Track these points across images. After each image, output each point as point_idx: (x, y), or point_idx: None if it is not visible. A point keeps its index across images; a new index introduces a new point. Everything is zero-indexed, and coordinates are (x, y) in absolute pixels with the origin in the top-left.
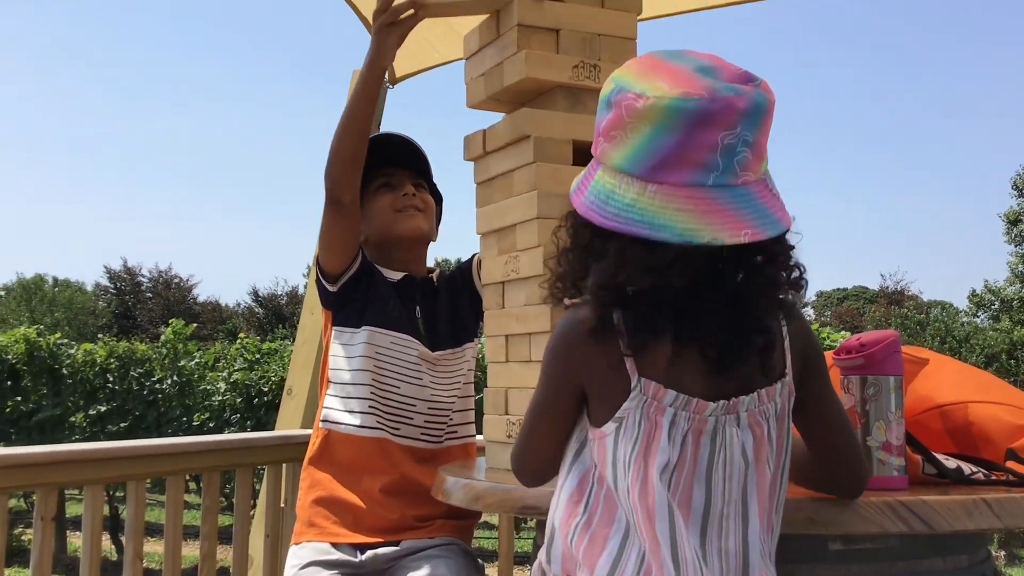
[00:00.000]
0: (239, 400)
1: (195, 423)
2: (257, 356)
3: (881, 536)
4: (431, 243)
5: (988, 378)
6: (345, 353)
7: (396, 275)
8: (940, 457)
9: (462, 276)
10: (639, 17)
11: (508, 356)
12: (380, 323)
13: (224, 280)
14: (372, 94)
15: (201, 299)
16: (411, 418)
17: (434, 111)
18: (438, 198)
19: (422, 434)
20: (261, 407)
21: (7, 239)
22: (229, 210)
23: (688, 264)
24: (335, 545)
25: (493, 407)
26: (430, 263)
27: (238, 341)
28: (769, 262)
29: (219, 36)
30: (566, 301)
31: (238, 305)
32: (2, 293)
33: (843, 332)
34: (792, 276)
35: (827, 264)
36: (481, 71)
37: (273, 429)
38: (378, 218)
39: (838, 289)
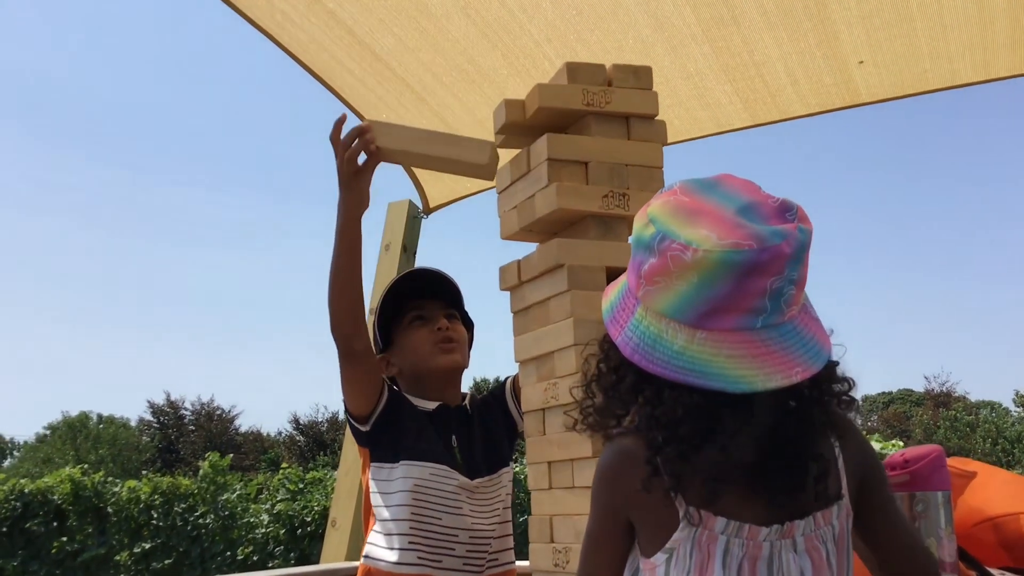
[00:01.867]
0: (283, 532)
1: (239, 557)
2: (300, 486)
3: None
4: (464, 370)
5: None
6: (383, 489)
7: (431, 404)
8: (995, 572)
9: (495, 400)
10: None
11: (551, 483)
12: (416, 456)
13: (265, 409)
14: (353, 245)
15: (243, 429)
16: (453, 549)
17: (467, 236)
18: (469, 324)
19: (464, 564)
20: (304, 538)
21: (53, 379)
22: (266, 338)
23: (740, 412)
24: None
25: (539, 535)
26: (465, 387)
27: (280, 471)
28: (814, 387)
29: (242, 170)
30: (611, 432)
31: (279, 433)
32: (48, 433)
33: (894, 441)
34: (840, 394)
35: (871, 368)
36: (513, 204)
37: (318, 561)
38: (413, 352)
39: (883, 393)
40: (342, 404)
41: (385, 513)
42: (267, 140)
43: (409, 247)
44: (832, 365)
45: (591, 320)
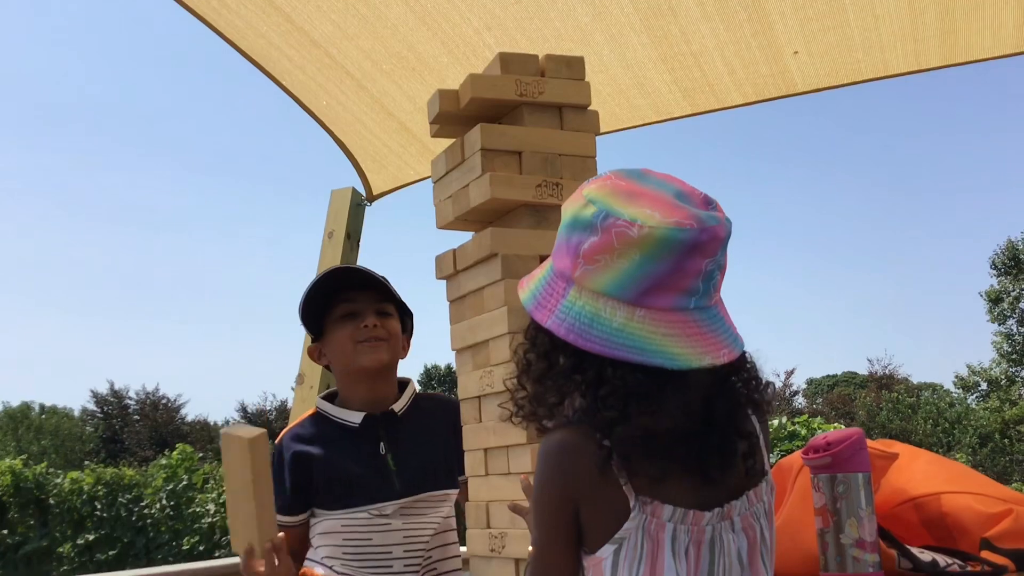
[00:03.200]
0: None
1: (185, 547)
2: None
3: None
4: (400, 362)
5: (959, 468)
6: (316, 529)
7: (355, 417)
8: (915, 551)
9: (452, 417)
10: (601, 133)
11: (487, 469)
12: (338, 506)
13: (212, 398)
14: None
15: (189, 419)
16: (390, 566)
17: (411, 223)
18: (408, 314)
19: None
20: None
21: None
22: (212, 328)
23: (679, 389)
24: None
25: (476, 521)
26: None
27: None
28: (737, 370)
29: (188, 158)
30: (546, 423)
31: (227, 422)
32: None
33: (836, 423)
34: (755, 379)
35: (815, 352)
36: (448, 193)
37: None
38: (339, 350)
39: (828, 376)
40: None
41: (318, 540)
42: (211, 127)
43: (353, 235)
44: (745, 354)
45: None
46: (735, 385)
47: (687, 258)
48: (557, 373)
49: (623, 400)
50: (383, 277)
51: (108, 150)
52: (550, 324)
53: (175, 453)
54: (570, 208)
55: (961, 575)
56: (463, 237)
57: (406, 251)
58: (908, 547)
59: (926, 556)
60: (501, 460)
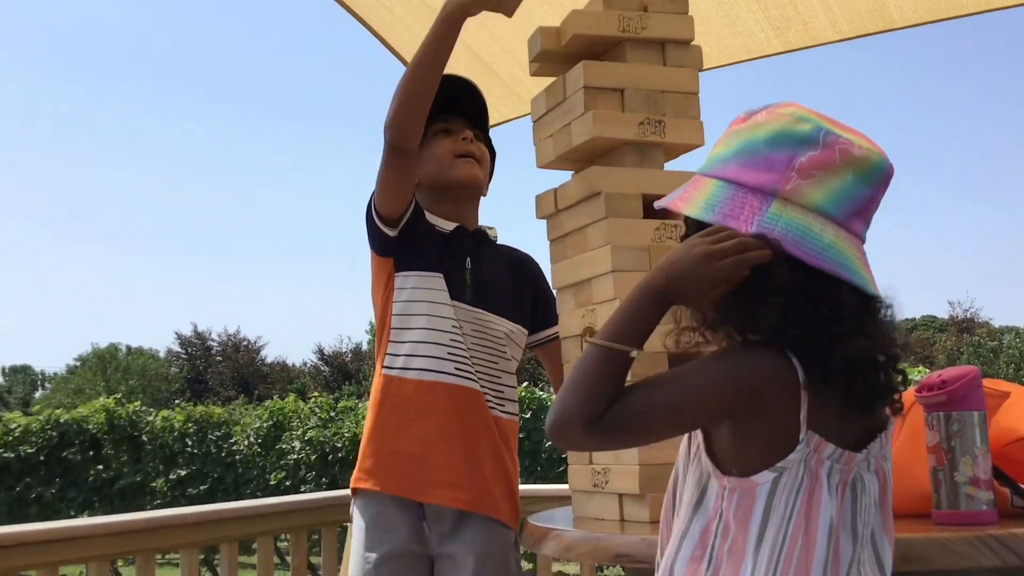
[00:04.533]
0: (314, 457)
1: (272, 482)
2: (331, 414)
3: (976, 571)
4: (483, 197)
5: None
6: (403, 297)
7: (448, 225)
8: None
9: (533, 270)
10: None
11: None
12: (431, 268)
13: (290, 340)
14: (449, 38)
15: (269, 360)
16: (501, 391)
17: (503, 163)
18: (492, 153)
19: (474, 375)
20: (335, 463)
21: (82, 311)
22: (291, 272)
23: (873, 315)
24: (398, 502)
25: (577, 457)
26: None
27: (311, 400)
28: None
29: (267, 104)
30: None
31: (304, 364)
32: (78, 364)
33: (919, 368)
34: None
35: (895, 294)
36: (549, 132)
37: (347, 485)
38: (434, 162)
39: (907, 320)
40: (368, 211)
41: (404, 321)
42: (293, 71)
43: None
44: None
45: (628, 247)
46: (883, 320)
47: (882, 188)
48: (766, 287)
49: (841, 319)
50: (482, 97)
51: (189, 99)
52: (756, 230)
53: (264, 410)
54: (770, 124)
55: None
56: (559, 177)
57: (491, 192)
58: (1021, 485)
59: None
60: None
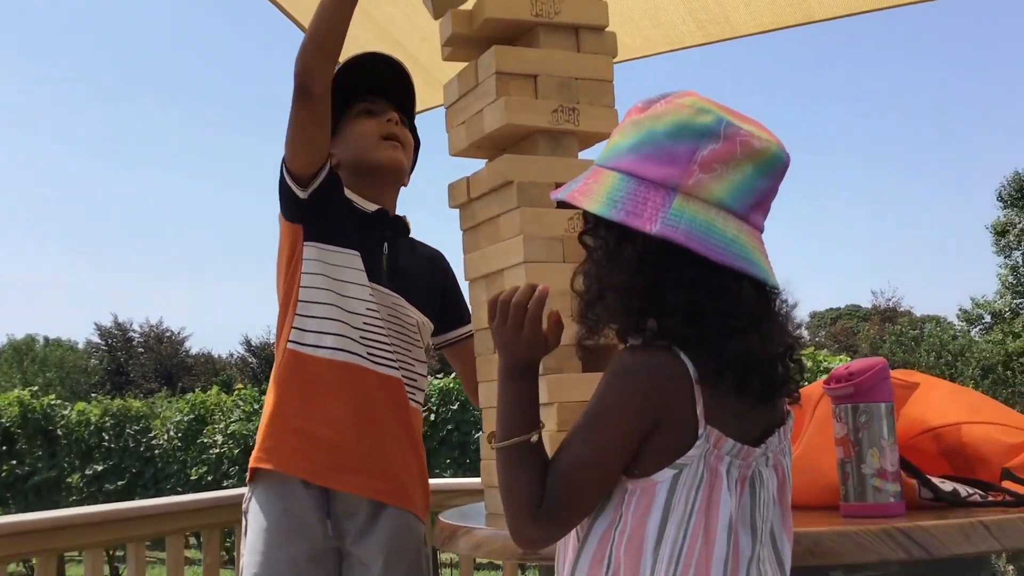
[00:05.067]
0: (237, 451)
1: (192, 477)
2: (255, 407)
3: (881, 564)
4: (403, 187)
5: (979, 398)
6: (314, 269)
7: (369, 206)
8: (936, 480)
9: (444, 267)
10: (614, 60)
11: None
12: (348, 244)
13: (215, 332)
14: None
15: (193, 352)
16: (378, 337)
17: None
18: (417, 141)
19: (391, 358)
20: None
21: None
22: (215, 259)
23: (759, 306)
24: (305, 488)
25: (490, 452)
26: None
27: (235, 392)
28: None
29: (195, 93)
30: (631, 340)
31: (231, 356)
32: None
33: (841, 356)
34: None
35: (819, 284)
36: (462, 119)
37: None
38: (357, 142)
39: (831, 309)
40: (280, 170)
41: (315, 295)
42: (217, 61)
43: None
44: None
45: (541, 237)
46: (779, 313)
47: (779, 178)
48: (664, 284)
49: (737, 313)
50: (410, 80)
51: (102, 82)
52: (659, 231)
53: (185, 402)
54: (670, 116)
55: (982, 504)
56: (475, 165)
57: (412, 182)
58: (929, 477)
59: (947, 486)
60: None
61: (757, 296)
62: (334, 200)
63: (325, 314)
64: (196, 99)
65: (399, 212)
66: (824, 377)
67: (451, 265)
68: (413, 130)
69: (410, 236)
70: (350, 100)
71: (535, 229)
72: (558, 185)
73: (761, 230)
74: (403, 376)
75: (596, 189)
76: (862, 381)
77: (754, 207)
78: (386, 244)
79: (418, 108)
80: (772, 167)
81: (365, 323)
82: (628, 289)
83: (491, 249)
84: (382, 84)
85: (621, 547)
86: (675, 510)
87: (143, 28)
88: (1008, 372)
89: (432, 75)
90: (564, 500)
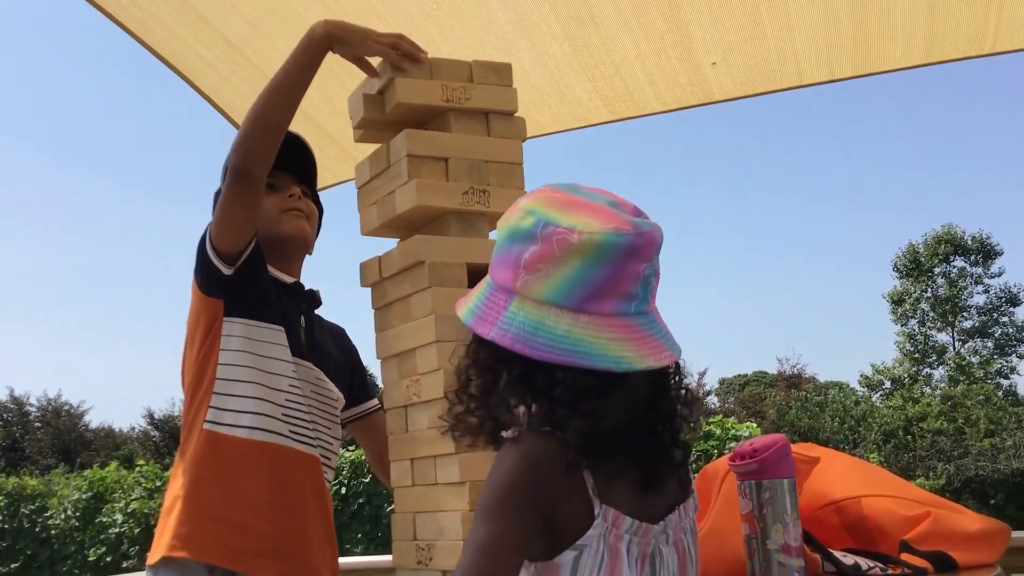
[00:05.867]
0: (137, 531)
1: (91, 558)
2: (158, 484)
3: None
4: (308, 255)
5: (877, 471)
6: (235, 346)
7: (287, 279)
8: (838, 554)
9: (349, 344)
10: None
11: (414, 480)
12: (273, 319)
13: (117, 404)
14: (312, 65)
15: (93, 426)
16: (299, 414)
17: (328, 228)
18: (320, 210)
19: (311, 438)
20: None
21: None
22: (118, 331)
23: (625, 391)
24: (208, 568)
25: (402, 532)
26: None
27: (136, 469)
28: (675, 375)
29: (93, 153)
30: (504, 434)
31: (132, 429)
32: None
33: (748, 423)
34: (688, 387)
35: (727, 352)
36: (373, 200)
37: None
38: (263, 218)
39: (739, 375)
40: (202, 244)
41: (229, 374)
42: (117, 124)
43: None
44: (680, 364)
45: (453, 316)
46: (672, 391)
47: (626, 262)
48: (505, 385)
49: (576, 399)
50: (306, 148)
51: (12, 143)
52: (494, 335)
53: (83, 480)
54: (508, 222)
55: None
56: (388, 243)
57: (323, 254)
58: (831, 551)
59: (848, 559)
60: (428, 470)
61: (597, 382)
62: (258, 274)
63: (247, 392)
64: (98, 164)
65: (309, 285)
66: (731, 448)
67: (351, 339)
68: (316, 200)
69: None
70: None
71: (446, 308)
72: (469, 264)
73: (623, 312)
74: (320, 454)
75: (472, 296)
76: (765, 458)
77: (592, 296)
78: (302, 317)
79: (330, 181)
80: (603, 256)
81: (288, 400)
82: (484, 390)
83: (403, 328)
84: (283, 158)
85: None
86: None
87: (36, 88)
88: (908, 437)
89: (344, 149)
90: None
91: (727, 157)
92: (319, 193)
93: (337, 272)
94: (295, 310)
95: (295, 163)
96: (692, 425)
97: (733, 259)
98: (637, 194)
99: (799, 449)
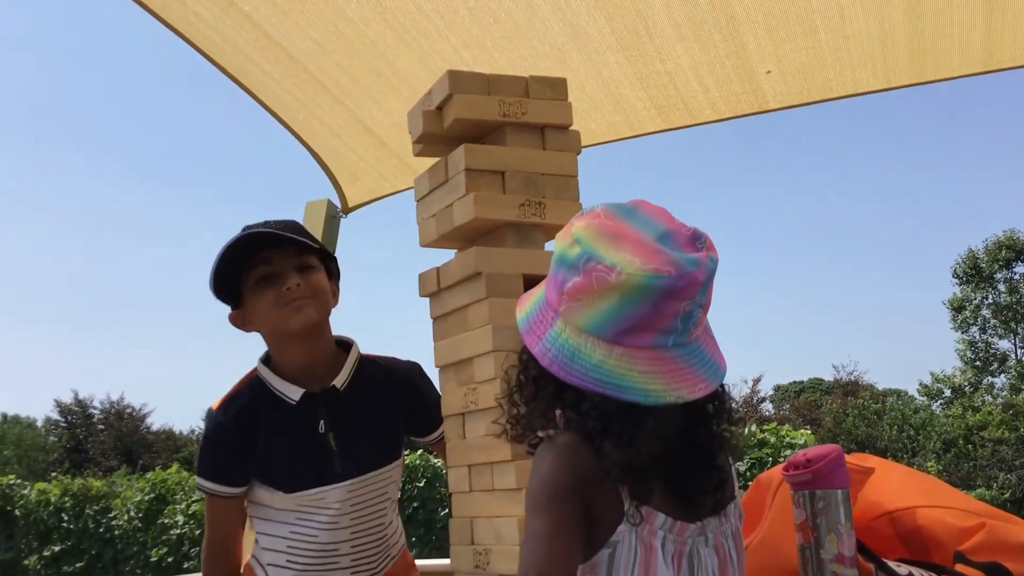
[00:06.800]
0: (198, 531)
1: (152, 559)
2: None
3: None
4: (331, 312)
5: (933, 481)
6: (257, 514)
7: (295, 393)
8: (892, 564)
9: (401, 387)
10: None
11: (471, 486)
12: (285, 485)
13: (178, 407)
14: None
15: (155, 428)
16: (336, 562)
17: (387, 235)
18: (331, 258)
19: (353, 573)
20: None
21: None
22: (178, 337)
23: (658, 418)
24: None
25: (460, 538)
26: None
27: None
28: (715, 405)
29: (164, 169)
30: (540, 433)
31: (192, 432)
32: None
33: (803, 431)
34: (733, 411)
35: (783, 358)
36: (432, 212)
37: None
38: (264, 317)
39: (794, 382)
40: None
41: (263, 540)
42: (185, 139)
43: (328, 246)
44: (726, 388)
45: (509, 327)
46: (710, 418)
47: (664, 303)
48: (544, 398)
49: (605, 422)
50: (296, 225)
51: (66, 154)
52: (537, 352)
53: (145, 481)
54: (560, 244)
55: None
56: (446, 255)
57: (382, 262)
58: (885, 561)
59: (903, 570)
60: (486, 476)
61: (622, 411)
62: (255, 454)
63: (274, 560)
64: (156, 169)
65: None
66: (786, 457)
67: (415, 371)
68: (324, 254)
69: (359, 367)
70: (246, 263)
71: (503, 319)
72: (526, 276)
73: (657, 346)
74: (372, 570)
75: (527, 301)
76: (819, 468)
77: (627, 332)
78: (322, 423)
79: (389, 191)
80: (640, 296)
81: (320, 552)
82: (528, 397)
83: (460, 337)
84: (269, 240)
85: None
86: None
87: (100, 95)
88: (969, 446)
89: (403, 160)
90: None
91: (781, 162)
92: (370, 204)
93: (392, 276)
94: (311, 422)
95: (287, 240)
96: (732, 446)
97: (789, 265)
98: (690, 198)
99: (854, 460)
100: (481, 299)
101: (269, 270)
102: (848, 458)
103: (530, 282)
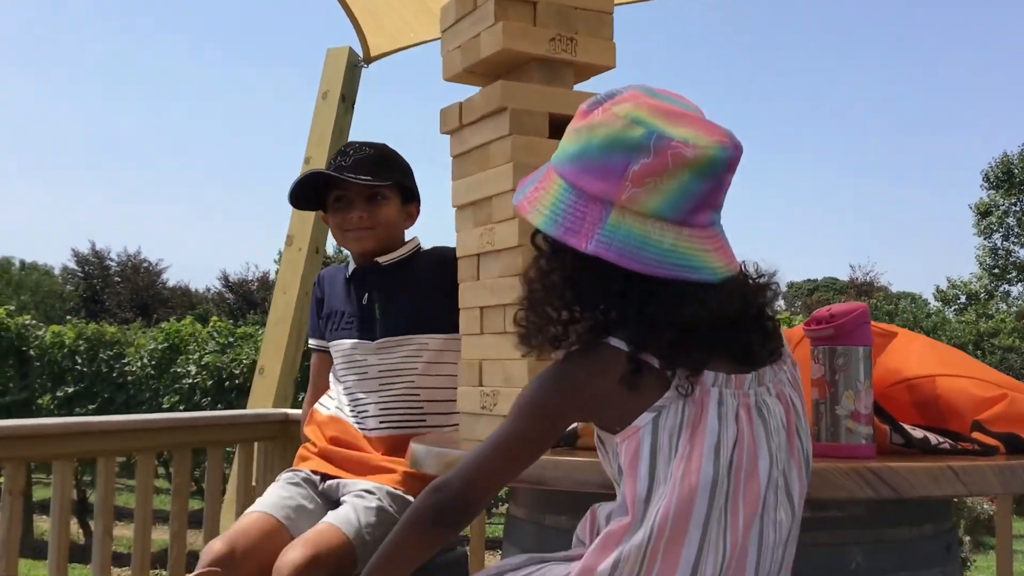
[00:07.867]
0: (210, 383)
1: (164, 406)
2: (230, 340)
3: (848, 503)
4: (402, 233)
5: (955, 353)
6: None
7: (350, 269)
8: (907, 427)
9: (448, 271)
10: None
11: (483, 328)
12: (334, 336)
13: (194, 265)
14: None
15: (171, 284)
16: (366, 410)
17: (409, 90)
18: (410, 195)
19: (381, 423)
20: (232, 390)
21: None
22: (198, 194)
23: (723, 293)
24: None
25: (468, 379)
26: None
27: (210, 324)
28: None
29: (189, 22)
30: (554, 354)
31: (208, 290)
32: None
33: None
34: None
35: (799, 255)
36: (457, 43)
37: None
38: (334, 232)
39: (808, 280)
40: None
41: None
42: (235, 5)
43: (348, 97)
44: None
45: (532, 165)
46: (748, 277)
47: (724, 176)
48: (592, 296)
49: (672, 314)
50: (376, 156)
51: (92, 5)
52: (593, 249)
53: (159, 331)
54: (604, 128)
55: (951, 452)
56: (468, 92)
57: (401, 117)
58: (901, 423)
59: (918, 433)
60: (497, 319)
61: (696, 289)
62: (326, 313)
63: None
64: (183, 28)
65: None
66: (804, 321)
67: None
68: (406, 190)
69: (414, 254)
70: (325, 185)
71: (527, 157)
72: (552, 115)
73: (710, 223)
74: (402, 427)
75: (542, 199)
76: (842, 324)
77: (695, 209)
78: (367, 295)
79: (412, 41)
80: (711, 169)
81: (352, 397)
82: (560, 299)
83: (481, 176)
84: (355, 166)
85: (621, 495)
86: (661, 452)
87: None
88: (979, 352)
89: (427, 6)
90: (470, 477)
91: (804, 49)
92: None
93: (410, 132)
94: (360, 292)
95: (363, 173)
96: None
97: (813, 162)
98: (701, 81)
99: (878, 325)
100: (504, 135)
101: (343, 194)
102: (873, 324)
103: (556, 121)
